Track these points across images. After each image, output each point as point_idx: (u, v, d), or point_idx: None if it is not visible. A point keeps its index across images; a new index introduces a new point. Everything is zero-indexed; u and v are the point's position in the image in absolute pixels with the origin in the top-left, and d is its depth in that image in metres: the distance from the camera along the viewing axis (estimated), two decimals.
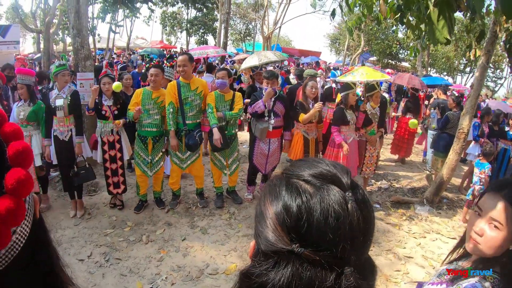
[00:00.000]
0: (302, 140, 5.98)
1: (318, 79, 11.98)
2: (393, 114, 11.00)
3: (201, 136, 5.49)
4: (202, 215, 5.65)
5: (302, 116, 5.88)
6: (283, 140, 6.10)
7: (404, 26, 4.96)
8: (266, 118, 5.71)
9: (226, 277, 4.25)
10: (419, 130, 10.80)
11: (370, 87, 6.73)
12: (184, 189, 6.44)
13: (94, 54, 22.23)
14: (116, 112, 5.49)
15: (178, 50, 29.61)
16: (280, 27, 26.35)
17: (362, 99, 7.05)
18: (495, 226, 1.40)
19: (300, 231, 0.74)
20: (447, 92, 10.05)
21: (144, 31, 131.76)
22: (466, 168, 8.84)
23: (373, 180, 7.78)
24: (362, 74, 6.53)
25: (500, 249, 1.43)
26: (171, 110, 5.32)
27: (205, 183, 6.37)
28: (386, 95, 9.88)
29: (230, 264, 4.47)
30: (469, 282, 1.39)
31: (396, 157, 9.81)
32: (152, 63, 11.85)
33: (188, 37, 37.97)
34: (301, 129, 6.01)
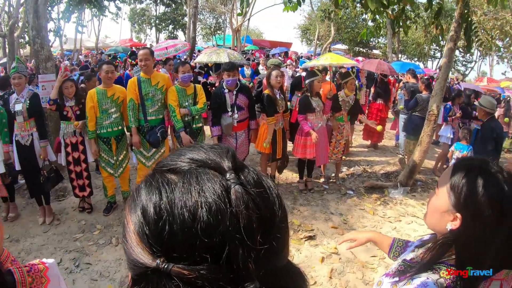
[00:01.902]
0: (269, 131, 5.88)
1: (287, 69, 11.96)
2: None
3: (164, 133, 5.36)
4: None
5: (270, 120, 5.82)
6: (250, 130, 6.00)
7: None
8: (230, 113, 5.60)
9: None
10: (390, 116, 10.85)
11: (344, 74, 6.69)
12: None
13: (61, 55, 21.81)
14: (78, 112, 5.32)
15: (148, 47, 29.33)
16: (249, 19, 26.34)
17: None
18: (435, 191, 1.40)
19: (162, 238, 0.55)
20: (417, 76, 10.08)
21: (113, 30, 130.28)
22: (439, 150, 8.91)
23: (345, 167, 7.76)
24: (327, 58, 6.46)
25: (434, 219, 1.41)
26: (131, 106, 5.20)
27: None
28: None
29: None
30: (420, 279, 1.28)
31: (368, 143, 9.81)
32: (117, 60, 11.64)
33: (157, 34, 37.64)
34: (267, 120, 5.90)
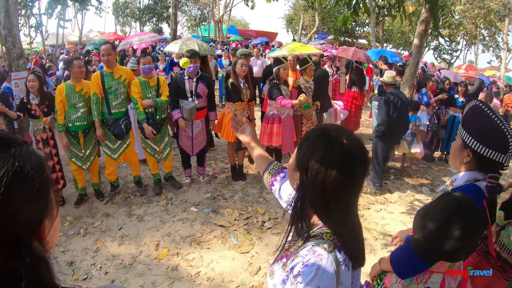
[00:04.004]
0: None
1: (265, 58, 11.97)
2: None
3: (127, 125, 5.40)
4: (140, 203, 5.55)
5: (237, 106, 5.82)
6: (209, 121, 6.00)
7: None
8: (190, 100, 5.63)
9: (158, 262, 4.21)
10: (369, 104, 10.89)
11: (302, 61, 6.66)
12: (124, 179, 6.34)
13: (44, 51, 21.56)
14: (45, 109, 5.38)
15: None
16: (230, 9, 26.24)
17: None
18: None
19: None
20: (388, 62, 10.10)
21: (98, 24, 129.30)
22: None
23: None
24: (290, 48, 6.44)
25: (289, 175, 1.47)
26: (95, 100, 5.25)
27: (145, 171, 6.33)
28: (330, 70, 9.95)
29: (163, 249, 4.42)
30: (305, 248, 1.27)
31: None
32: (91, 55, 11.59)
33: (141, 27, 37.37)
34: (231, 109, 5.91)
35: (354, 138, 1.29)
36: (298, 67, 6.73)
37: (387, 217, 5.51)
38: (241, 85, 5.85)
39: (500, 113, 12.60)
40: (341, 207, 1.27)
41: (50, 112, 5.38)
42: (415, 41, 6.99)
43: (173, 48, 7.93)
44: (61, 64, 12.92)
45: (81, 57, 12.47)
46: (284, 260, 1.36)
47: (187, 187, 6.02)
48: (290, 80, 6.30)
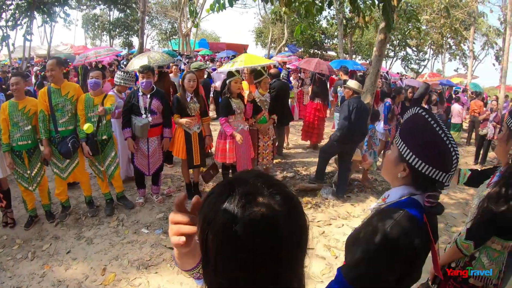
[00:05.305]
0: (184, 135, 5.77)
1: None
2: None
3: (75, 143, 5.25)
4: (91, 224, 5.38)
5: (176, 118, 5.74)
6: (164, 138, 5.84)
7: None
8: (144, 116, 5.51)
9: (104, 287, 4.03)
10: (330, 115, 10.91)
11: (257, 74, 6.60)
12: (77, 199, 6.15)
13: (10, 64, 21.14)
14: None
15: None
16: (198, 23, 26.21)
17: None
18: None
19: None
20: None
21: (68, 37, 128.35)
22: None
23: (279, 170, 7.69)
24: (241, 61, 6.36)
25: None
26: (42, 118, 5.11)
27: (99, 191, 6.12)
28: (296, 82, 9.90)
29: (109, 273, 4.26)
30: None
31: (308, 143, 9.77)
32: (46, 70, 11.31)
33: (111, 40, 37.10)
34: (182, 126, 5.80)
35: (278, 195, 0.82)
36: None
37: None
38: (188, 99, 5.74)
39: (467, 119, 12.80)
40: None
41: None
42: (375, 50, 6.92)
43: (134, 65, 7.78)
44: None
45: (38, 71, 12.21)
46: None
47: (140, 207, 5.88)
48: (246, 94, 6.24)
